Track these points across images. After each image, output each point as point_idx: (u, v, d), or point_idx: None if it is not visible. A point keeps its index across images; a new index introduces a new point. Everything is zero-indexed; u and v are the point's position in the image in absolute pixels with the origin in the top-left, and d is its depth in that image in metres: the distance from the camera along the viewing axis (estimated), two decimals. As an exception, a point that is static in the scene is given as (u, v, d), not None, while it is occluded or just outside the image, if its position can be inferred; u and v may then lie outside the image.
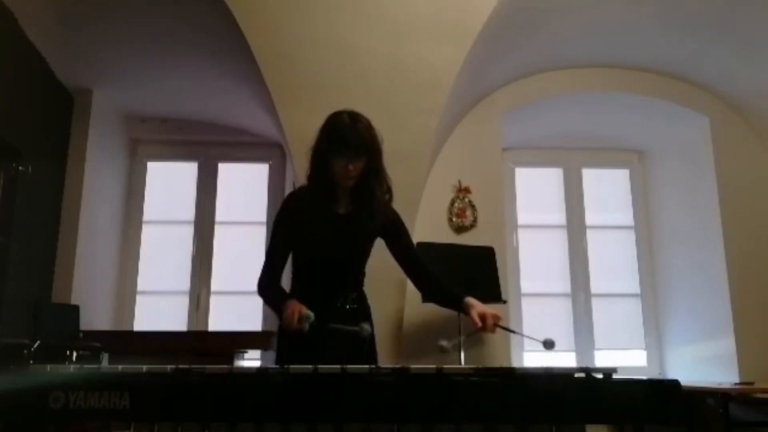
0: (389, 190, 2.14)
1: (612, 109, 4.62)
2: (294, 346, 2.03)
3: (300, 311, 1.89)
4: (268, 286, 2.11)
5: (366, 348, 2.07)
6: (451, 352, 1.81)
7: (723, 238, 4.22)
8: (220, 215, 4.88)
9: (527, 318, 4.64)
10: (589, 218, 4.86)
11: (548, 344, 1.92)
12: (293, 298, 2.01)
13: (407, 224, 2.25)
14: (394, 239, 2.20)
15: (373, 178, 2.08)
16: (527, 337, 2.59)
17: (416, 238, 3.77)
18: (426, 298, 2.26)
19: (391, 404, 1.43)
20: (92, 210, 4.25)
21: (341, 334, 1.97)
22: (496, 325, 2.00)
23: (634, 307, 4.79)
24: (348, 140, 2.00)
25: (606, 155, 4.98)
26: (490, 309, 2.04)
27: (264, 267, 2.13)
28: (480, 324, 1.99)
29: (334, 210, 2.10)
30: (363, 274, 2.20)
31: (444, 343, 1.87)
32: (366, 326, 1.95)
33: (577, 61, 4.35)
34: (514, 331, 2.29)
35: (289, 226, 2.12)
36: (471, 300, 2.08)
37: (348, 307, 2.11)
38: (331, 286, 2.10)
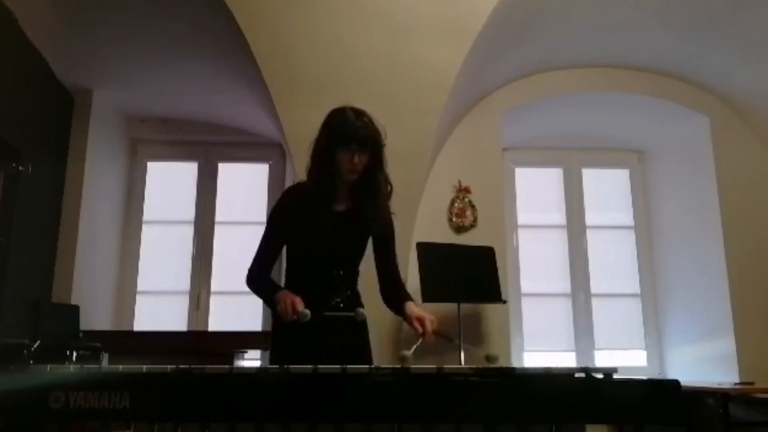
0: (390, 185, 2.15)
1: (612, 109, 4.63)
2: (291, 337, 2.04)
3: (293, 302, 1.92)
4: (258, 278, 2.12)
5: (361, 336, 2.14)
6: (412, 361, 1.77)
7: (723, 238, 4.23)
8: (220, 215, 4.89)
9: (527, 318, 4.64)
10: (589, 218, 4.87)
11: (490, 359, 1.91)
12: (286, 290, 2.03)
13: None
14: (382, 244, 2.21)
15: (377, 173, 2.09)
16: (466, 347, 2.63)
17: (416, 238, 3.81)
18: (387, 305, 2.24)
19: (391, 404, 1.43)
20: (92, 210, 4.25)
21: (336, 321, 2.02)
22: (434, 332, 2.00)
23: (634, 307, 4.79)
24: (355, 132, 2.02)
25: (606, 155, 4.99)
26: (427, 313, 2.04)
27: (255, 259, 2.13)
28: (420, 330, 1.99)
29: (333, 206, 2.10)
30: (357, 273, 2.21)
31: (405, 353, 1.85)
32: (361, 311, 2.08)
33: (577, 61, 4.35)
34: (452, 340, 2.31)
35: (286, 221, 2.12)
36: (409, 305, 2.09)
37: (342, 305, 2.11)
38: (326, 283, 2.11)
